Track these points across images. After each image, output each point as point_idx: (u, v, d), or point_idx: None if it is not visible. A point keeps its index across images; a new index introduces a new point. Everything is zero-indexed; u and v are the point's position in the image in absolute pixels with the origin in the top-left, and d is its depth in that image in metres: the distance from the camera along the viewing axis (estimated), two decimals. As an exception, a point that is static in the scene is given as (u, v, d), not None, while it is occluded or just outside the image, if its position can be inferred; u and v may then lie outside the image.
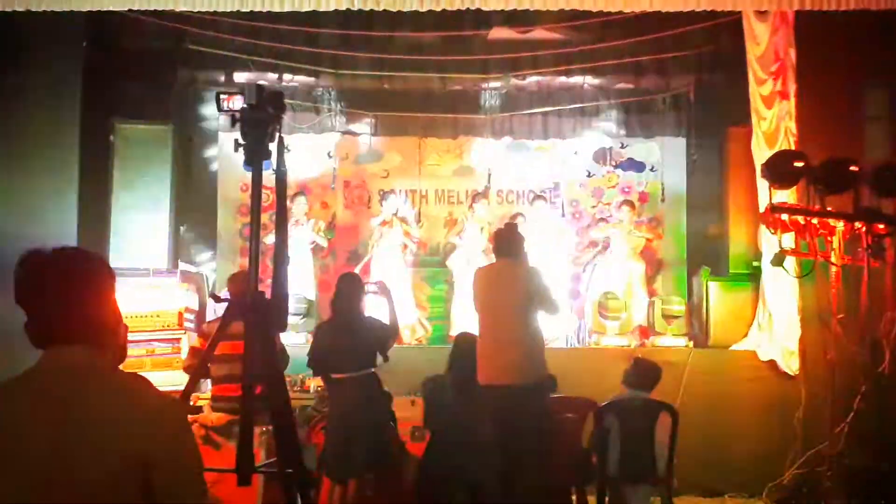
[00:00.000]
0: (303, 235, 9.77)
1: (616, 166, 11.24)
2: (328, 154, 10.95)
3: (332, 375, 5.80)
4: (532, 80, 10.37)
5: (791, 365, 8.11)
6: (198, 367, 3.77)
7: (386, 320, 5.98)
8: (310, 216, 10.05)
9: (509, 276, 5.95)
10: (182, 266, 8.75)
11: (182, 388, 3.71)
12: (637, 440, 5.96)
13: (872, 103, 8.21)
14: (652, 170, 11.12)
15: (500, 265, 6.12)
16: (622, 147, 11.19)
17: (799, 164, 6.37)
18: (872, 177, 6.31)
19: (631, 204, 10.29)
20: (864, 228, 6.25)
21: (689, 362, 8.29)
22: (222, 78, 9.62)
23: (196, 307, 8.44)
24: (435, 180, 11.19)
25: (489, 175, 10.53)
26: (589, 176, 11.23)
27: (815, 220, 6.50)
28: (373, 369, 5.78)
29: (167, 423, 2.02)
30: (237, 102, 3.36)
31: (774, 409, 8.01)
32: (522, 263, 6.08)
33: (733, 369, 8.39)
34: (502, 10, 8.36)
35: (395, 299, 6.15)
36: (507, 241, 6.12)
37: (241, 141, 3.32)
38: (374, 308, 6.20)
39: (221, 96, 3.38)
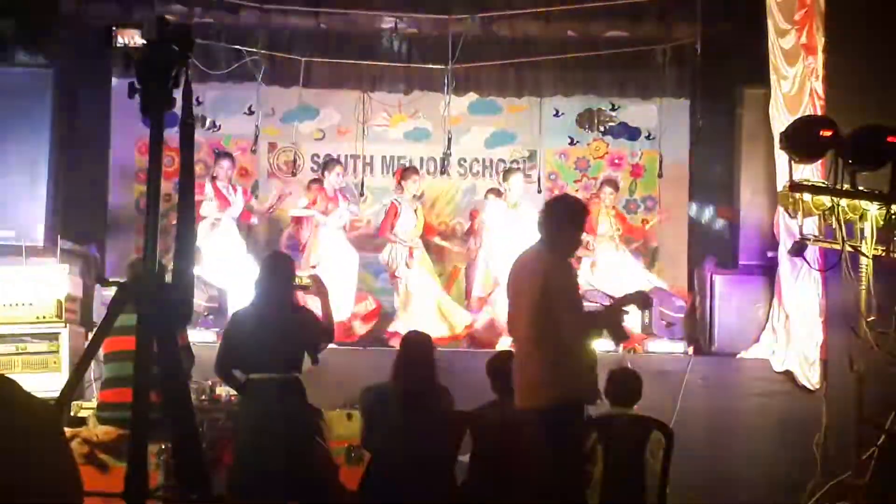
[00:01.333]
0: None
1: (605, 132, 11.32)
2: (249, 109, 10.86)
3: (249, 375, 5.77)
4: (503, 23, 10.36)
5: (811, 377, 8.22)
6: (77, 368, 3.72)
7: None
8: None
9: (529, 268, 5.53)
10: (63, 244, 8.64)
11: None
12: (624, 465, 6.01)
13: (916, 62, 8.31)
14: (648, 137, 11.20)
15: (528, 252, 5.64)
16: (612, 109, 11.26)
17: (826, 134, 6.41)
18: (914, 150, 6.37)
19: (614, 184, 10.38)
20: (902, 212, 6.32)
21: (689, 372, 8.37)
22: (117, 12, 9.49)
23: (80, 294, 8.35)
24: (382, 144, 11.16)
25: (449, 139, 10.48)
26: (572, 143, 11.29)
27: (843, 202, 6.56)
28: (298, 374, 5.76)
29: (37, 438, 1.98)
30: (133, 39, 3.30)
31: (790, 430, 8.11)
32: (551, 251, 5.51)
33: (741, 381, 8.49)
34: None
35: (332, 295, 6.17)
36: (541, 216, 5.62)
37: (137, 86, 3.27)
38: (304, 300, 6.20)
39: (114, 30, 3.32)
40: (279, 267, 5.93)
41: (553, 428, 5.32)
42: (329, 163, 10.40)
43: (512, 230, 9.58)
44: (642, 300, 5.76)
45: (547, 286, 5.34)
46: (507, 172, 10.36)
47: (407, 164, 10.82)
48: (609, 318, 5.81)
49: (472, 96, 10.96)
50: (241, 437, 5.91)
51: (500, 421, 5.99)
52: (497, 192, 10.18)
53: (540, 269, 5.42)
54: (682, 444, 6.19)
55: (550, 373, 5.35)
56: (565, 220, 5.56)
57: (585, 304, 9.13)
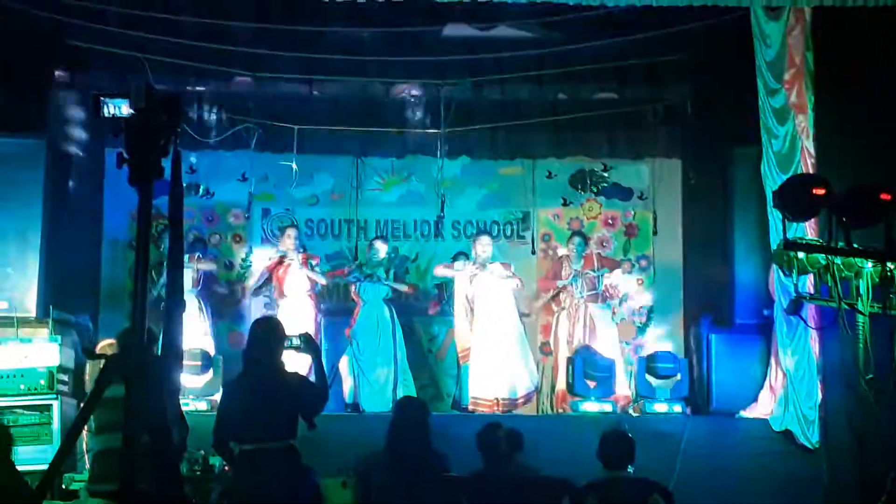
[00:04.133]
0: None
1: (598, 193, 11.31)
2: (242, 175, 10.87)
3: (241, 447, 5.68)
4: (495, 87, 10.42)
5: (810, 436, 8.15)
6: (66, 439, 3.67)
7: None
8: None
9: None
10: (56, 314, 8.58)
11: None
12: (623, 529, 5.91)
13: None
14: (641, 197, 11.20)
15: None
16: (605, 170, 11.27)
17: (819, 192, 6.43)
18: (906, 207, 6.37)
19: (582, 235, 10.28)
20: (897, 269, 6.32)
21: (687, 432, 8.29)
22: (110, 81, 9.53)
23: (72, 366, 8.27)
24: (376, 208, 11.16)
25: (442, 202, 10.51)
26: (565, 204, 11.29)
27: (838, 260, 6.55)
28: (293, 441, 5.68)
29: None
30: (121, 107, 3.29)
31: (790, 490, 8.03)
32: None
33: (740, 441, 8.42)
34: (460, 1, 8.40)
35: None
36: None
37: (125, 156, 3.25)
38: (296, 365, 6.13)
39: (102, 99, 3.31)
40: (267, 332, 5.84)
41: None
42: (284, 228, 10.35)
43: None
44: None
45: None
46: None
47: (401, 227, 10.87)
48: None
49: (464, 159, 10.98)
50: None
51: (493, 488, 5.91)
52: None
53: None
54: (682, 507, 6.10)
55: None
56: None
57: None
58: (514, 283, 9.86)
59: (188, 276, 9.71)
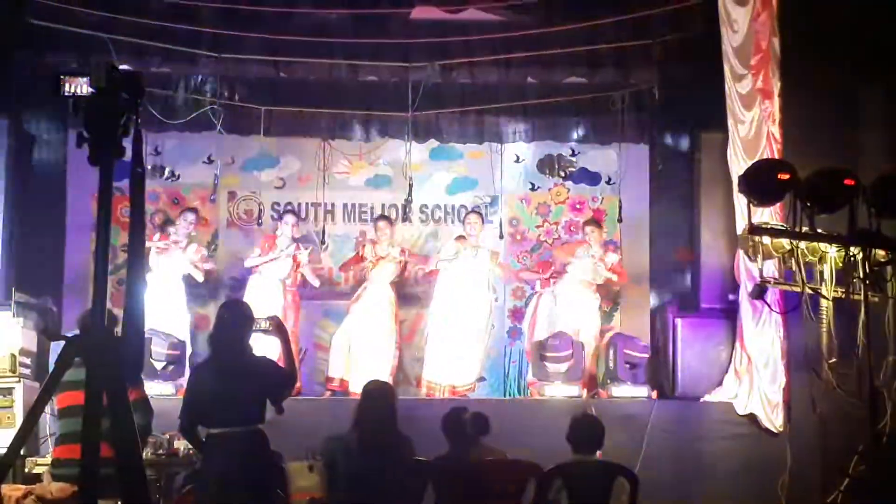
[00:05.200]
0: (181, 262, 9.64)
1: (565, 178, 11.31)
2: (208, 158, 10.78)
3: (209, 431, 5.64)
4: (463, 71, 10.38)
5: (774, 420, 8.21)
6: (25, 422, 3.62)
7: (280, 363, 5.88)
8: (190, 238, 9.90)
9: None
10: (18, 297, 8.49)
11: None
12: (589, 512, 5.95)
13: (870, 104, 8.40)
14: (608, 182, 11.20)
15: None
16: (573, 155, 11.27)
17: (784, 177, 6.45)
18: (871, 192, 6.42)
19: (597, 224, 10.21)
20: (860, 254, 6.35)
21: (653, 416, 8.33)
22: (74, 62, 9.43)
23: (35, 349, 8.21)
24: (343, 192, 11.10)
25: (410, 186, 10.47)
26: (533, 189, 11.28)
27: (802, 245, 6.59)
28: (260, 425, 5.64)
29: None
30: (82, 86, 3.23)
31: (754, 473, 8.09)
32: None
33: (705, 425, 8.46)
34: (427, -16, 8.38)
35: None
36: None
37: (86, 135, 3.19)
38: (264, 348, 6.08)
39: (62, 78, 3.25)
40: (235, 315, 5.79)
41: None
42: (284, 213, 10.34)
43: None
44: None
45: None
46: (468, 215, 10.31)
47: (368, 212, 10.82)
48: None
49: (432, 143, 10.94)
50: (202, 495, 5.77)
51: (460, 471, 5.91)
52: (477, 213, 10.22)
53: None
54: (647, 490, 6.13)
55: None
56: None
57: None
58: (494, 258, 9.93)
59: (180, 260, 9.66)
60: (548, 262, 10.59)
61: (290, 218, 10.08)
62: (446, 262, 9.87)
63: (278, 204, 10.99)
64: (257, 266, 9.83)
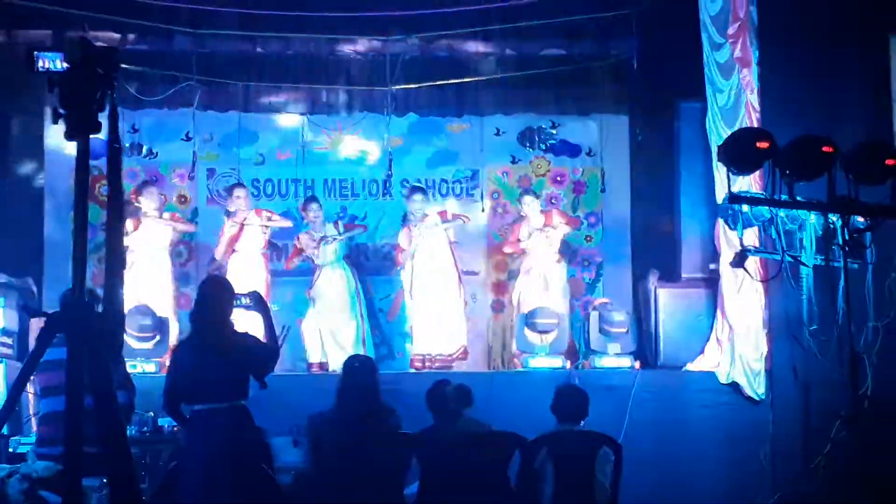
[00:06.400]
0: (155, 237, 9.57)
1: (546, 150, 11.30)
2: (186, 135, 10.72)
3: (192, 408, 5.63)
4: (442, 43, 10.35)
5: (757, 388, 8.25)
6: (7, 402, 3.60)
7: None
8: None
9: None
10: (-3, 275, 8.46)
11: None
12: (573, 481, 6.01)
13: (848, 72, 8.41)
14: (589, 154, 11.21)
15: None
16: (553, 127, 11.26)
17: (762, 146, 6.47)
18: (850, 160, 6.44)
19: (532, 192, 10.32)
20: (840, 222, 6.38)
21: (636, 386, 8.37)
22: (49, 38, 9.36)
23: (16, 328, 8.16)
24: (323, 167, 11.07)
25: (390, 161, 10.45)
26: (514, 162, 11.26)
27: (782, 213, 6.61)
28: (244, 401, 5.64)
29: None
30: (56, 61, 3.21)
31: (738, 441, 8.14)
32: None
33: (688, 394, 8.49)
34: (405, -45, 8.34)
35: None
36: None
37: (61, 111, 3.17)
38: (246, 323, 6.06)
39: (36, 54, 3.23)
40: (216, 292, 5.77)
41: None
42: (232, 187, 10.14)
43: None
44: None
45: None
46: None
47: (349, 187, 10.80)
48: None
49: (412, 117, 10.91)
50: (188, 472, 5.76)
51: (444, 444, 5.94)
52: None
53: None
54: (631, 459, 6.17)
55: None
56: None
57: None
58: (458, 223, 9.89)
59: (164, 234, 9.62)
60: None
61: (239, 191, 9.91)
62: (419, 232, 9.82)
63: (258, 180, 10.94)
64: (227, 252, 9.76)
